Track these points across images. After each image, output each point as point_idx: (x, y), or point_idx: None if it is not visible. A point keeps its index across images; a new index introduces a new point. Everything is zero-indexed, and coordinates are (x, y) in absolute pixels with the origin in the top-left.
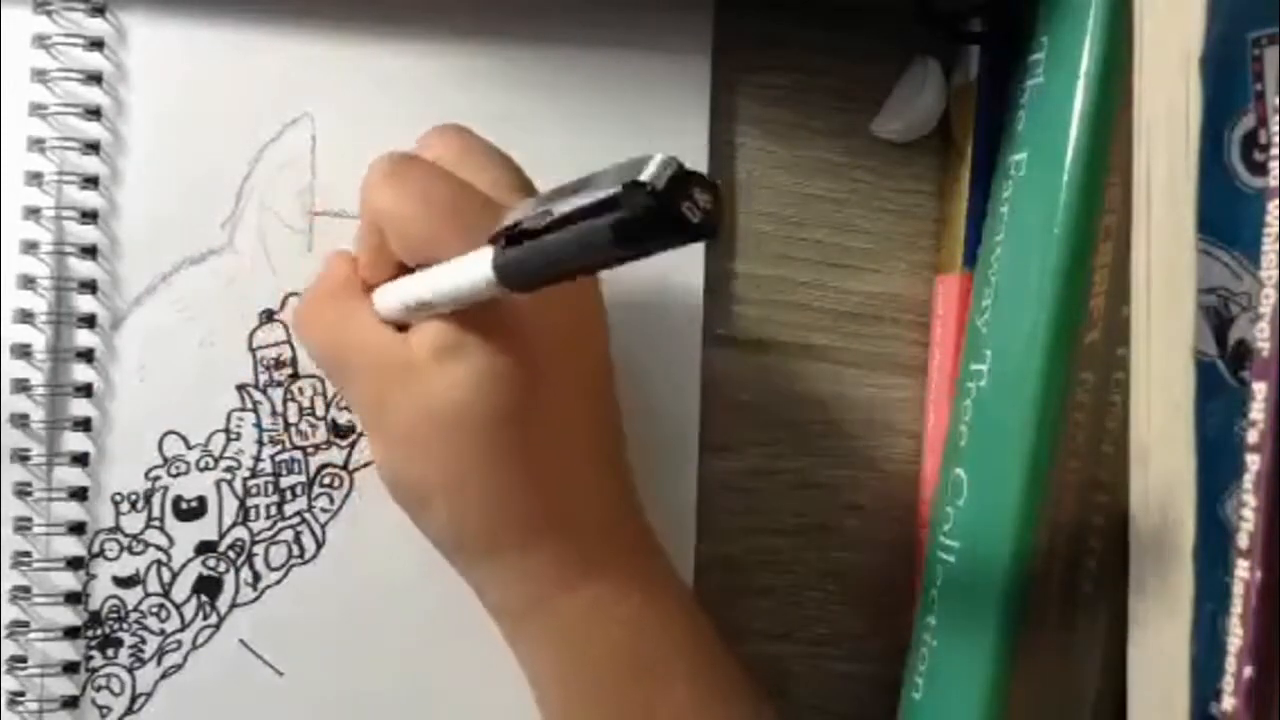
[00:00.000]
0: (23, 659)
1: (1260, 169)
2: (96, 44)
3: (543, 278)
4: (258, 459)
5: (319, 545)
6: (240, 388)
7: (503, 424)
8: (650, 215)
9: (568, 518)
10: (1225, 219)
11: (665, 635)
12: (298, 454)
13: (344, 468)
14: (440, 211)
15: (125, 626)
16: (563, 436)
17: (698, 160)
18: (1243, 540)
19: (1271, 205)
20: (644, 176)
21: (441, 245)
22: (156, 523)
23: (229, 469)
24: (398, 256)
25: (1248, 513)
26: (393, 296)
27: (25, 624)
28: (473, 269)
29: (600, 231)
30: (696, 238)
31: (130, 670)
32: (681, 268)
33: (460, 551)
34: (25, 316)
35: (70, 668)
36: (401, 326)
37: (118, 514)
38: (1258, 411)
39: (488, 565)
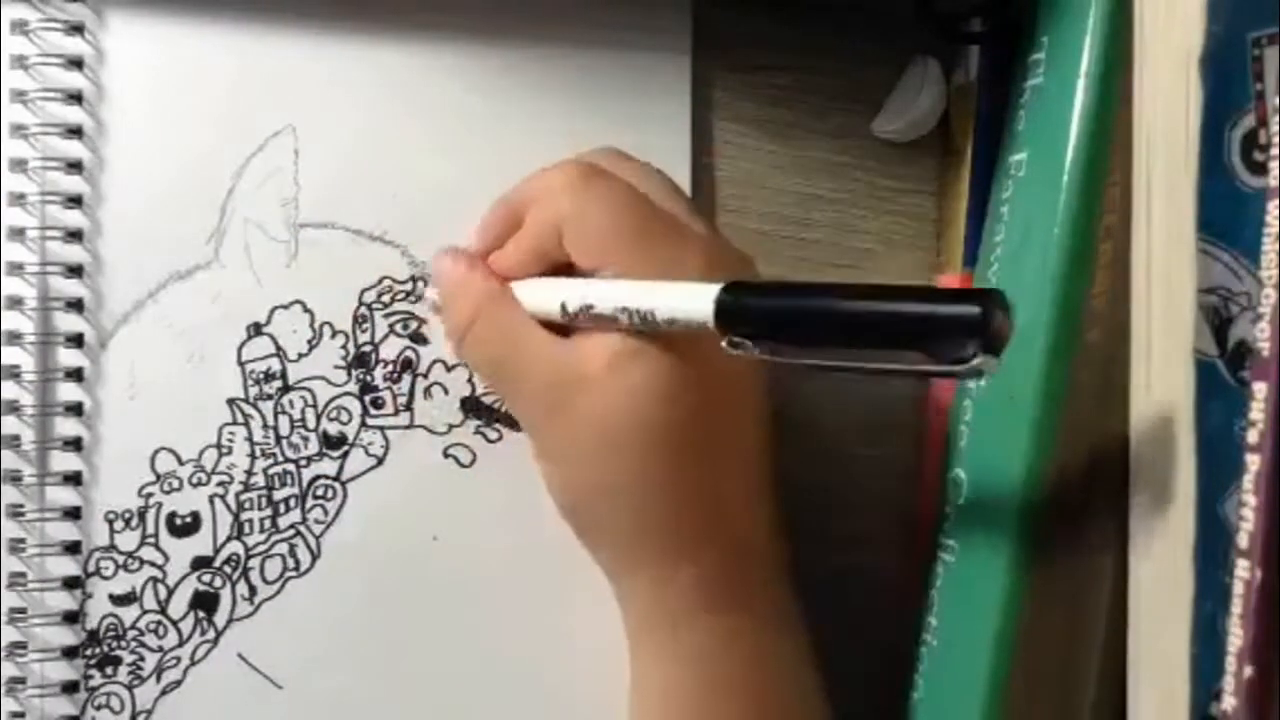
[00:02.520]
0: (22, 680)
1: (1260, 169)
2: (75, 63)
3: (761, 329)
4: (250, 473)
5: (314, 557)
6: (230, 402)
7: (675, 436)
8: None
9: (724, 539)
10: (1225, 219)
11: (788, 677)
12: (290, 466)
13: (337, 479)
14: (633, 221)
15: (123, 644)
16: (725, 456)
17: (680, 158)
18: (1243, 540)
19: (1271, 205)
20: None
21: (627, 255)
22: (151, 540)
23: (222, 484)
24: (565, 259)
25: (1248, 513)
26: (553, 296)
27: (23, 645)
28: (688, 302)
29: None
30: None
31: (130, 688)
32: None
33: (619, 559)
34: (13, 338)
35: (69, 687)
36: (552, 325)
37: (112, 532)
38: (1258, 411)
39: (642, 574)
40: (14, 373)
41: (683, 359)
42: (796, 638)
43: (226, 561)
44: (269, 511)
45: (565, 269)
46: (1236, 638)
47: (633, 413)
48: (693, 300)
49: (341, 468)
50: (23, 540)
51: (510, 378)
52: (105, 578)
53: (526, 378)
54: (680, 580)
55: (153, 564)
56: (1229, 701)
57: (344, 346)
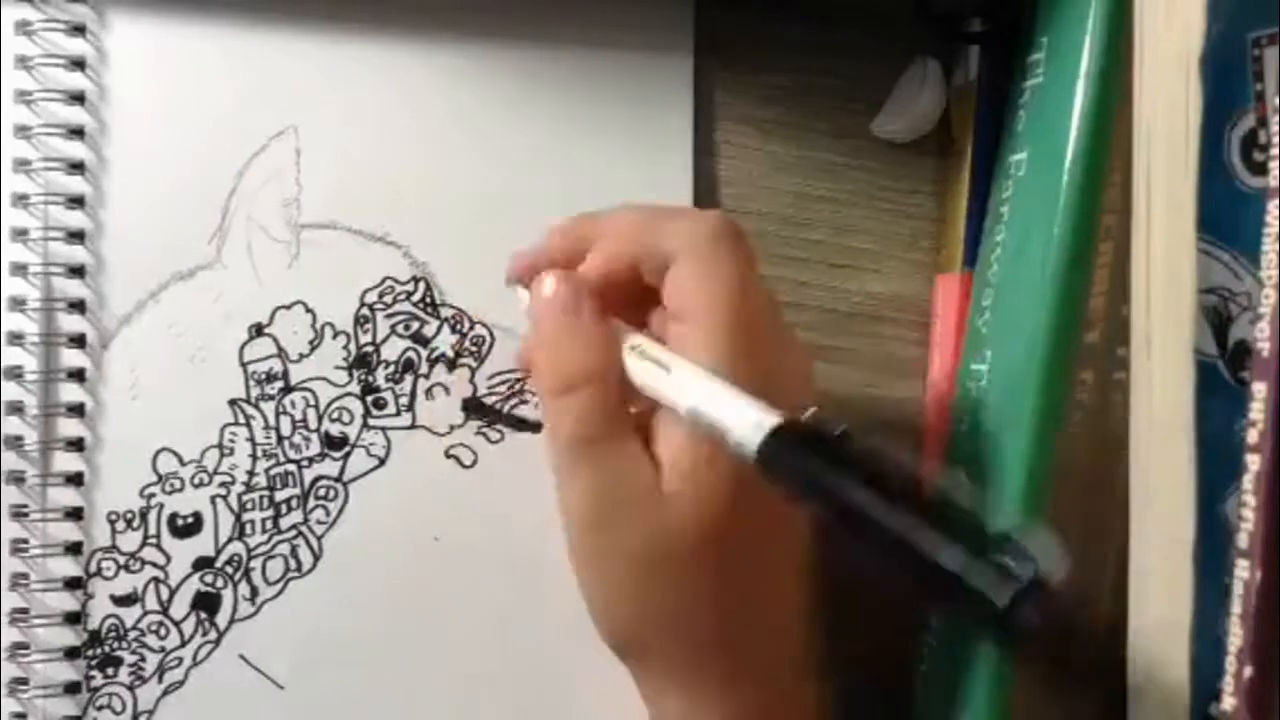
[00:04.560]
0: (24, 680)
1: (1260, 169)
2: (78, 64)
3: (792, 495)
4: (252, 473)
5: (316, 558)
6: (232, 402)
7: (728, 564)
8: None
9: (758, 676)
10: (1225, 219)
11: None
12: (292, 467)
13: (339, 479)
14: (751, 301)
15: (125, 645)
16: (767, 590)
17: (681, 158)
18: (1243, 540)
19: (1271, 205)
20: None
21: (733, 331)
22: (153, 540)
23: (224, 484)
24: (643, 292)
25: (1248, 513)
26: (654, 380)
27: (25, 645)
28: (742, 422)
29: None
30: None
31: (131, 689)
32: None
33: (631, 659)
34: (15, 338)
35: (71, 688)
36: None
37: (114, 533)
38: (1258, 411)
39: (649, 683)
40: (16, 373)
41: (739, 481)
42: None
43: (228, 562)
44: (271, 512)
45: (638, 300)
46: (1236, 638)
47: (667, 543)
48: (742, 423)
49: (343, 468)
50: (25, 541)
51: (586, 463)
52: (107, 578)
53: (594, 476)
54: (727, 710)
55: (154, 564)
56: (1229, 701)
57: (346, 347)
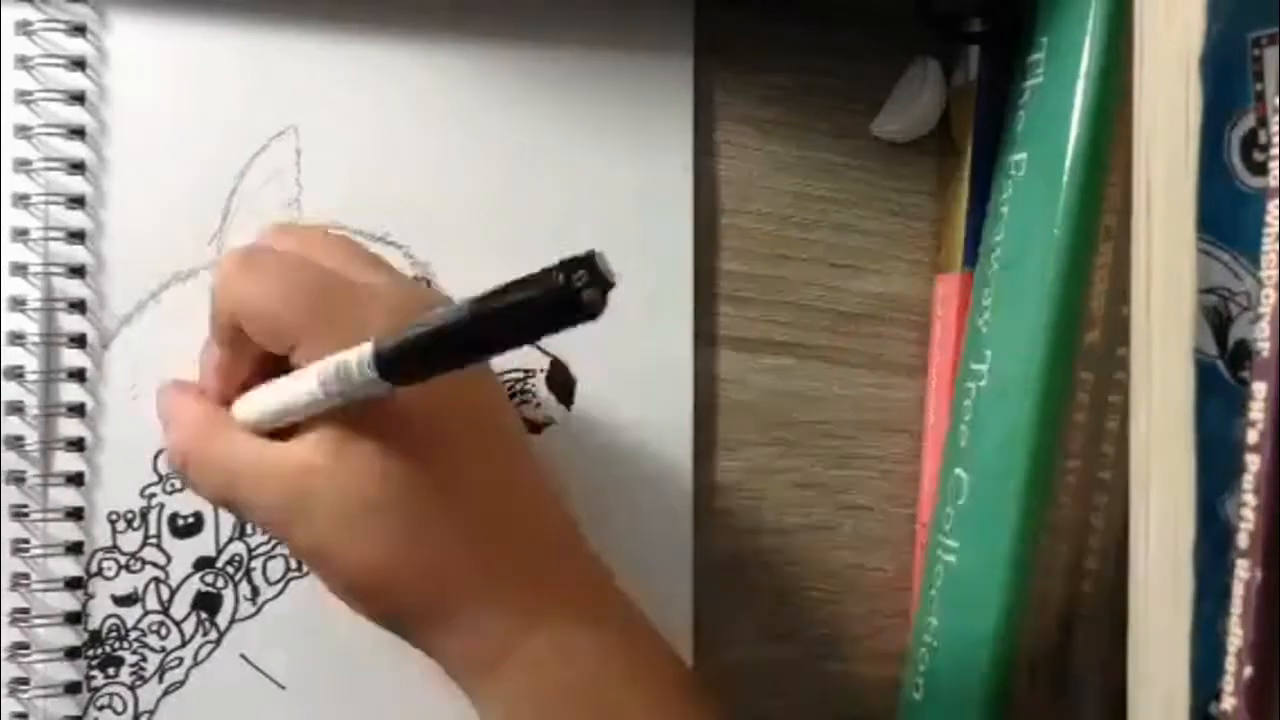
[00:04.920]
0: (25, 680)
1: (1260, 169)
2: (78, 64)
3: (427, 368)
4: None
5: None
6: None
7: (420, 494)
8: (551, 295)
9: (511, 565)
10: (1225, 219)
11: (615, 668)
12: None
13: None
14: (301, 295)
15: (126, 645)
16: (484, 488)
17: (681, 158)
18: (1243, 540)
19: (1271, 205)
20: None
21: (308, 329)
22: (153, 540)
23: None
24: (260, 349)
25: (1248, 513)
26: (264, 403)
27: (26, 645)
28: (351, 363)
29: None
30: (589, 315)
31: (132, 689)
32: (670, 269)
33: (418, 625)
34: (16, 338)
35: (72, 688)
36: (274, 433)
37: (114, 533)
38: (1258, 411)
39: (444, 630)
40: (17, 373)
41: (401, 419)
42: (623, 633)
43: (229, 562)
44: None
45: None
46: (1236, 638)
47: (361, 493)
48: (351, 364)
49: None
50: (26, 541)
51: (244, 501)
52: (108, 578)
53: (259, 494)
54: (482, 621)
55: (155, 564)
56: (1229, 701)
57: None
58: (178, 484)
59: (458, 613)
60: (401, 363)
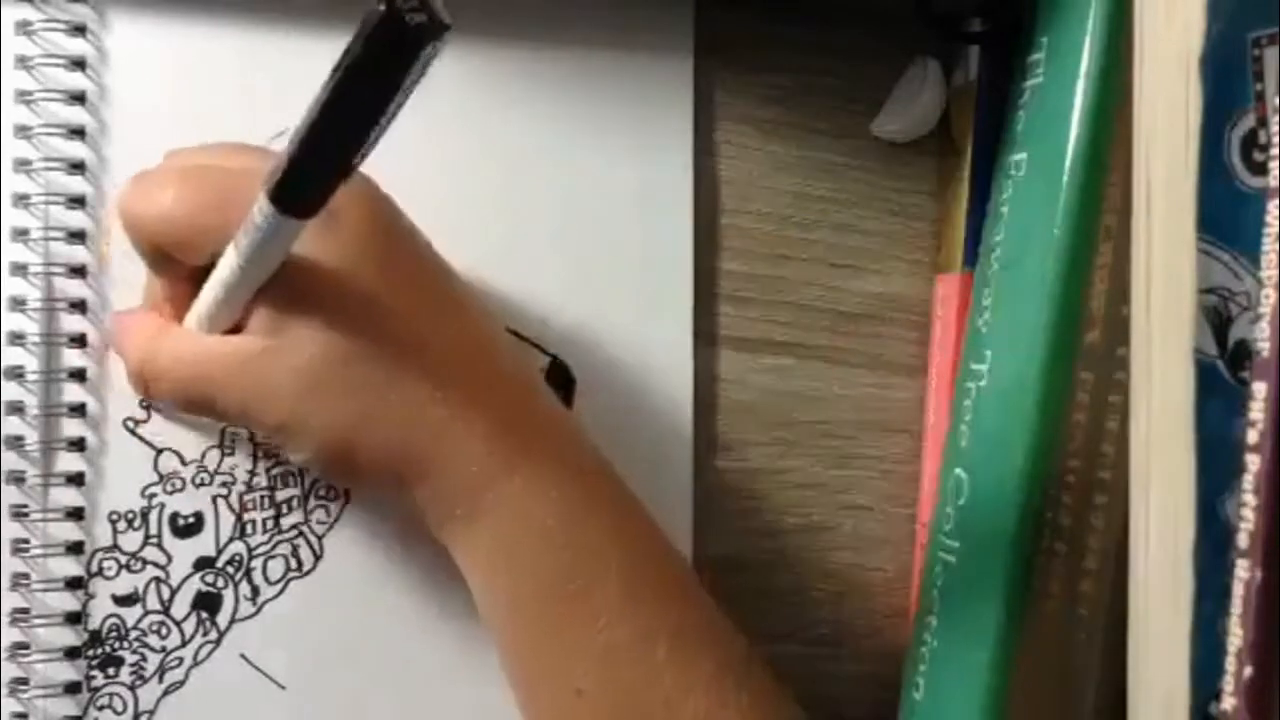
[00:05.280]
0: (24, 680)
1: (1260, 169)
2: (78, 64)
3: (316, 182)
4: (253, 473)
5: (317, 557)
6: None
7: (370, 350)
8: (377, 33)
9: (476, 408)
10: (1225, 219)
11: (594, 518)
12: (293, 467)
13: None
14: (196, 194)
15: (126, 645)
16: (438, 340)
17: (681, 158)
18: (1243, 540)
19: (1271, 205)
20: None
21: (213, 227)
22: (154, 540)
23: (225, 484)
24: (188, 264)
25: (1248, 513)
26: (204, 308)
27: (26, 645)
28: (254, 218)
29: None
30: (421, 41)
31: (132, 689)
32: (670, 269)
33: (394, 481)
34: (16, 339)
35: (72, 688)
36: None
37: (115, 533)
38: (1258, 411)
39: (418, 481)
40: (17, 373)
41: (334, 282)
42: (593, 481)
43: (229, 562)
44: (271, 512)
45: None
46: (1236, 638)
47: (311, 361)
48: (258, 219)
49: None
50: (26, 541)
51: (207, 397)
52: (108, 578)
53: (219, 388)
54: (454, 469)
55: (155, 564)
56: (1229, 701)
57: None
58: (178, 484)
59: (430, 461)
60: (291, 187)
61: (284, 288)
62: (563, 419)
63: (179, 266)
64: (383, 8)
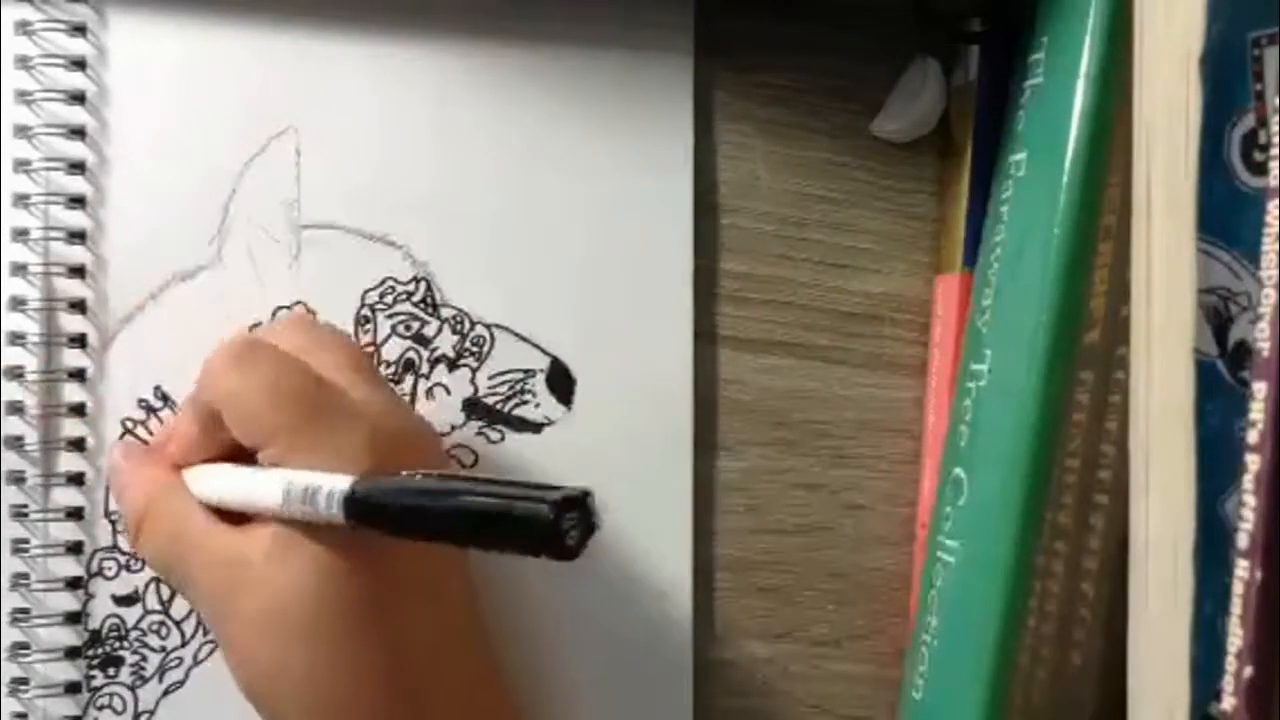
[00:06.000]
0: (24, 680)
1: (1260, 169)
2: (78, 64)
3: (387, 528)
4: None
5: None
6: None
7: (342, 621)
8: (536, 533)
9: (425, 705)
10: (1225, 219)
11: None
12: None
13: None
14: (290, 400)
15: (126, 645)
16: (415, 635)
17: (681, 158)
18: (1243, 540)
19: (1271, 205)
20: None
21: (284, 435)
22: None
23: None
24: (232, 440)
25: (1248, 513)
26: (223, 489)
27: (26, 645)
28: (321, 490)
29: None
30: (567, 557)
31: (132, 688)
32: (670, 269)
33: None
34: (16, 339)
35: (72, 688)
36: (228, 514)
37: (115, 532)
38: (1258, 411)
39: None
40: (17, 373)
41: (347, 542)
42: None
43: None
44: None
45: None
46: (1236, 638)
47: (295, 600)
48: (321, 491)
49: None
50: (26, 541)
51: (185, 575)
52: (108, 578)
53: (197, 568)
54: None
55: None
56: (1229, 701)
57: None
58: None
59: None
60: (370, 514)
61: (321, 530)
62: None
63: (223, 433)
64: (549, 517)
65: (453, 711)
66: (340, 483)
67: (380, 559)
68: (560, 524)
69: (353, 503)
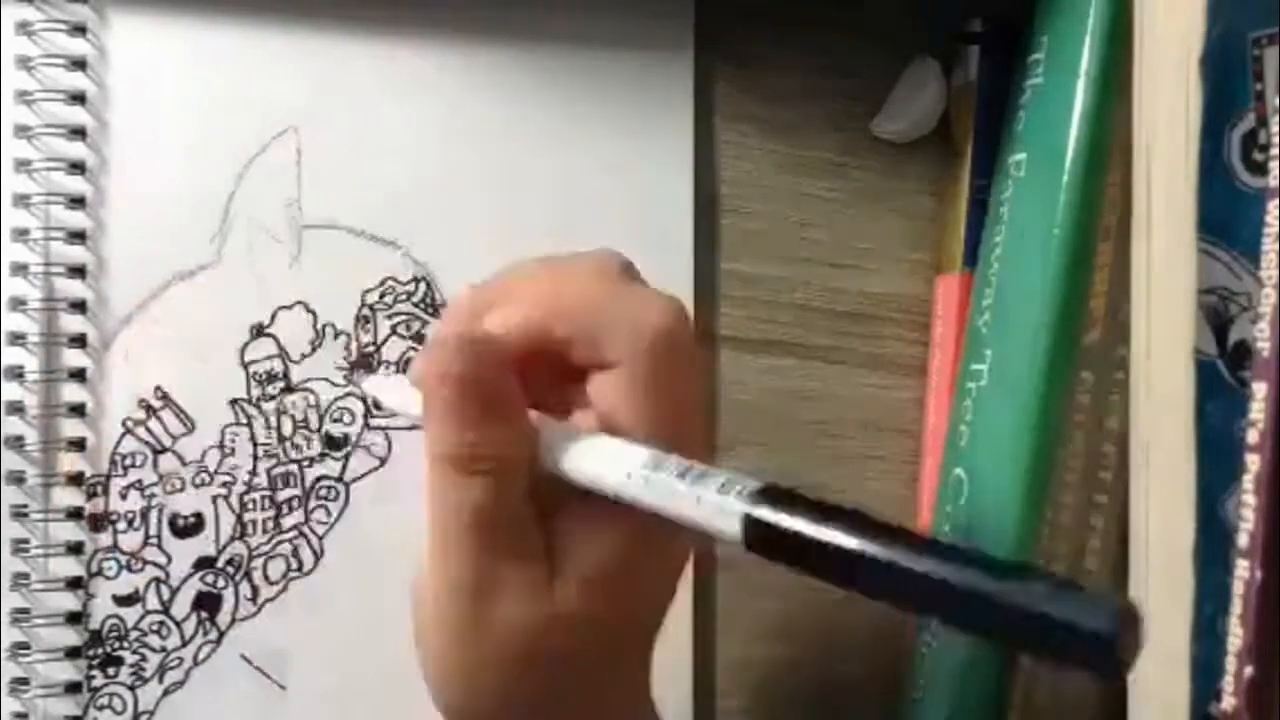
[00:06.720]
0: (25, 680)
1: (1260, 169)
2: (78, 64)
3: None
4: (253, 473)
5: (317, 558)
6: (233, 402)
7: (582, 676)
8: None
9: None
10: (1225, 219)
11: None
12: (293, 467)
13: (339, 479)
14: (613, 280)
15: (126, 645)
16: (611, 680)
17: (682, 158)
18: (1243, 540)
19: (1271, 205)
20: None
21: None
22: (154, 540)
23: (225, 484)
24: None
25: (1248, 513)
26: (578, 456)
27: (26, 645)
28: (718, 515)
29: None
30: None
31: (132, 689)
32: (670, 269)
33: None
34: (16, 339)
35: (72, 688)
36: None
37: (115, 533)
38: (1258, 411)
39: None
40: (17, 373)
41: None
42: None
43: (229, 562)
44: (272, 512)
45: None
46: (1236, 638)
47: (562, 644)
48: (720, 514)
49: (344, 468)
50: (26, 541)
51: (474, 544)
52: (108, 578)
53: (488, 556)
54: None
55: (156, 564)
56: (1229, 701)
57: (347, 347)
58: (178, 484)
59: None
60: (775, 550)
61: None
62: None
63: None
64: (1109, 644)
65: None
66: (731, 497)
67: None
68: (1117, 645)
69: (750, 542)
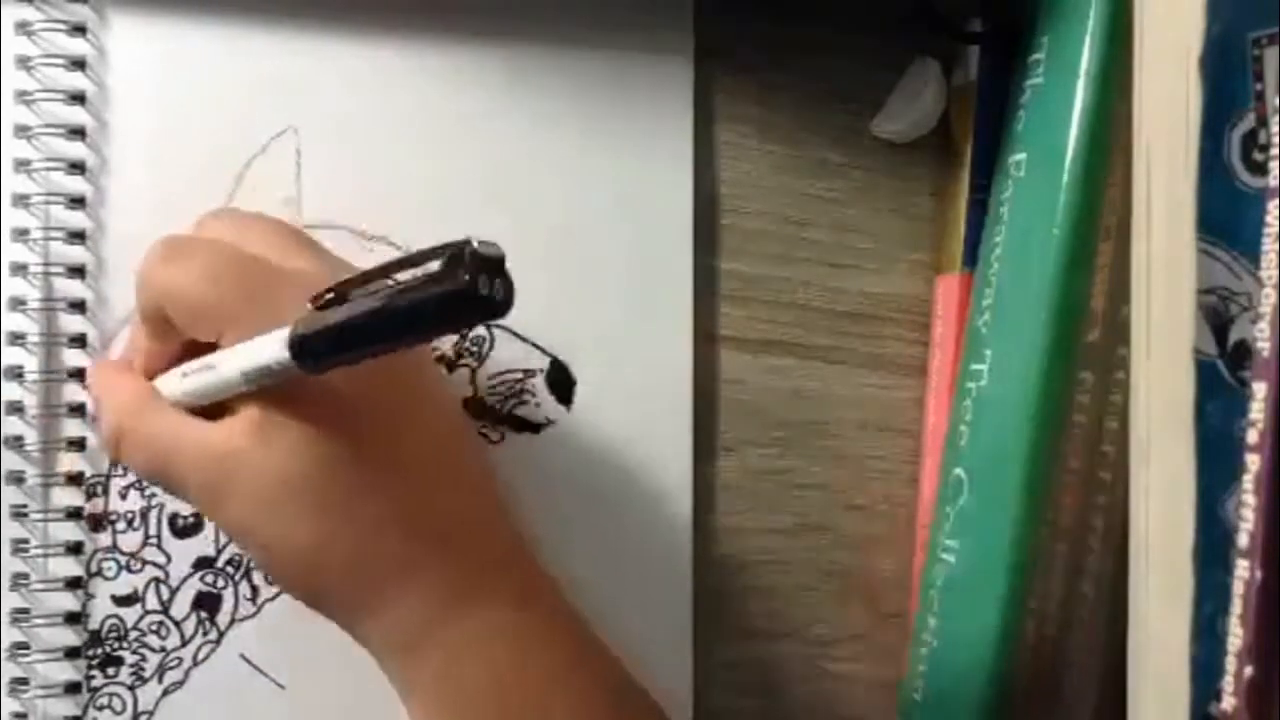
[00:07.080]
0: (24, 680)
1: (1260, 169)
2: (78, 64)
3: (337, 356)
4: None
5: None
6: None
7: (343, 474)
8: (458, 296)
9: (437, 549)
10: (1225, 219)
11: (548, 655)
12: None
13: None
14: (228, 281)
15: (125, 645)
16: (413, 468)
17: (682, 158)
18: (1243, 540)
19: (1271, 205)
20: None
21: (231, 316)
22: (154, 540)
23: None
24: (184, 336)
25: (1248, 513)
26: (185, 382)
27: (26, 645)
28: (268, 350)
29: (402, 309)
30: (493, 315)
31: (132, 689)
32: (670, 269)
33: (342, 607)
34: (16, 339)
35: (72, 688)
36: (203, 410)
37: (114, 533)
38: (1258, 411)
39: (367, 612)
40: (17, 373)
41: (325, 399)
42: (547, 618)
43: (229, 562)
44: None
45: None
46: (1236, 638)
47: (285, 474)
48: (268, 351)
49: None
50: (26, 541)
51: (175, 479)
52: (108, 578)
53: (188, 473)
54: (409, 601)
55: (155, 564)
56: (1229, 701)
57: None
58: None
59: (382, 594)
60: (314, 350)
61: (273, 394)
62: (520, 542)
63: (177, 334)
64: (465, 280)
65: (460, 549)
66: (281, 335)
67: (360, 401)
68: (477, 287)
69: (295, 346)
